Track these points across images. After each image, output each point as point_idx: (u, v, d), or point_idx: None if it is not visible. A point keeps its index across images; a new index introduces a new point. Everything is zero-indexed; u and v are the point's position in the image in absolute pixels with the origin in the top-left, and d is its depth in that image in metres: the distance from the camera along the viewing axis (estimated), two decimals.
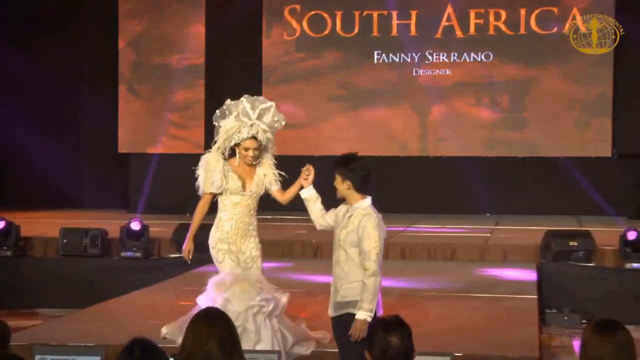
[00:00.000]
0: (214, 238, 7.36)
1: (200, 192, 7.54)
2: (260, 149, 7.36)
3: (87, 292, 11.22)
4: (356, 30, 17.75)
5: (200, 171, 7.51)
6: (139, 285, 10.99)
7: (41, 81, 18.12)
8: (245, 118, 7.30)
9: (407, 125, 17.61)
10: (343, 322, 6.19)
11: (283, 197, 7.32)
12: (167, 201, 16.63)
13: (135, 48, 17.73)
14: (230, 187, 7.29)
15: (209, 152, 7.54)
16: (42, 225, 13.82)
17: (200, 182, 7.50)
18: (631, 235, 11.84)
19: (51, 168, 18.03)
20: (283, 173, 7.49)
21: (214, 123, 7.54)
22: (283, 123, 7.38)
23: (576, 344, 9.38)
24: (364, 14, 17.69)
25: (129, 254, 12.55)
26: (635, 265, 11.71)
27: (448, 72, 17.47)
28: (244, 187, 7.29)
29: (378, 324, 4.63)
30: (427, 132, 17.52)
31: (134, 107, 17.39)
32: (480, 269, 12.01)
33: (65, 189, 17.89)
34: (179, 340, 4.65)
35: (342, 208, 6.66)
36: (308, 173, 6.83)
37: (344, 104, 17.94)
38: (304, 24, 17.81)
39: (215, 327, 4.47)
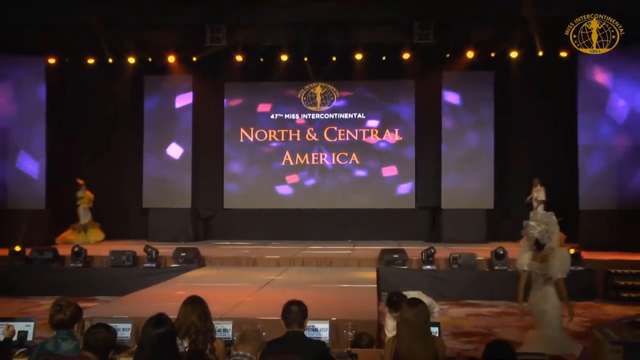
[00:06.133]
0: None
1: (557, 277, 6.09)
2: None
3: (124, 287, 10.95)
4: None
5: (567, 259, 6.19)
6: (153, 283, 10.86)
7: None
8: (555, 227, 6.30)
9: (310, 193, 17.24)
10: None
11: None
12: (168, 234, 16.10)
13: None
14: None
15: (555, 250, 6.22)
16: (99, 249, 13.49)
17: (560, 267, 6.09)
18: (426, 250, 12.14)
19: (104, 214, 17.13)
20: None
21: (537, 236, 6.23)
22: None
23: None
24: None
25: (148, 265, 12.34)
26: (429, 267, 11.99)
27: (327, 160, 17.07)
28: None
29: (287, 302, 4.63)
30: (317, 195, 17.18)
31: (150, 181, 16.84)
32: (345, 271, 12.00)
33: (111, 227, 17.03)
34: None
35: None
36: None
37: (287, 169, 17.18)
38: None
39: (195, 307, 4.45)
